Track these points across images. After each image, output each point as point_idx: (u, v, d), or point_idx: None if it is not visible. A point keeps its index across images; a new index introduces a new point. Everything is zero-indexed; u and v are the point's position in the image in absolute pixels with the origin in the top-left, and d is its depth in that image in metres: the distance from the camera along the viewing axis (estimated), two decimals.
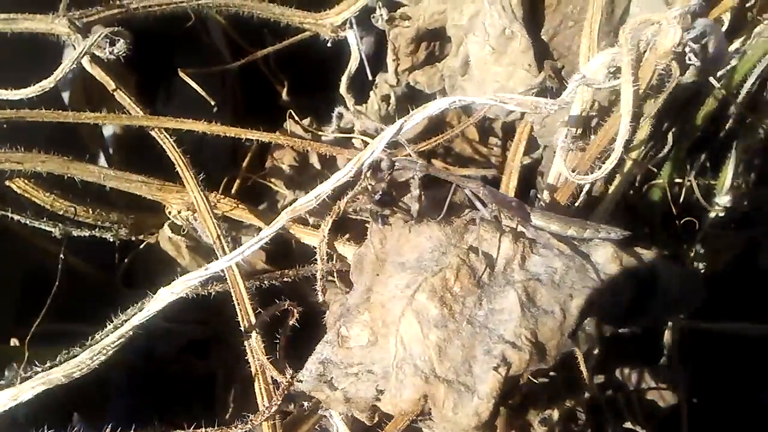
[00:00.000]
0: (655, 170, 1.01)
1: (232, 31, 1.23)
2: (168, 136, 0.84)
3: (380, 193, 0.57)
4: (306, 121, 1.15)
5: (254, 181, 1.12)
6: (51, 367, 0.57)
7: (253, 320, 0.72)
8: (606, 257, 0.60)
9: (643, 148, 0.93)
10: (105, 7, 0.92)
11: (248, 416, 0.67)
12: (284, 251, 0.95)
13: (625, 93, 0.68)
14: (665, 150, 1.33)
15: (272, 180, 1.11)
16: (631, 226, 0.66)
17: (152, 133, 0.85)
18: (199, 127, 0.85)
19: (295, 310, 0.71)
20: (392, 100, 1.24)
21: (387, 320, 0.57)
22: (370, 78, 1.18)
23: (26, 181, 0.81)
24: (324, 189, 0.57)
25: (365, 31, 1.14)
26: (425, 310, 0.55)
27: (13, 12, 0.87)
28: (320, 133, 1.10)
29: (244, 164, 1.10)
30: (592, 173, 0.70)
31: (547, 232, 0.62)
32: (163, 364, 0.91)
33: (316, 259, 0.79)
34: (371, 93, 1.23)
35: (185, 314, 0.94)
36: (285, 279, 0.81)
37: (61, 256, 0.84)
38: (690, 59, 0.72)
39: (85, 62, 0.90)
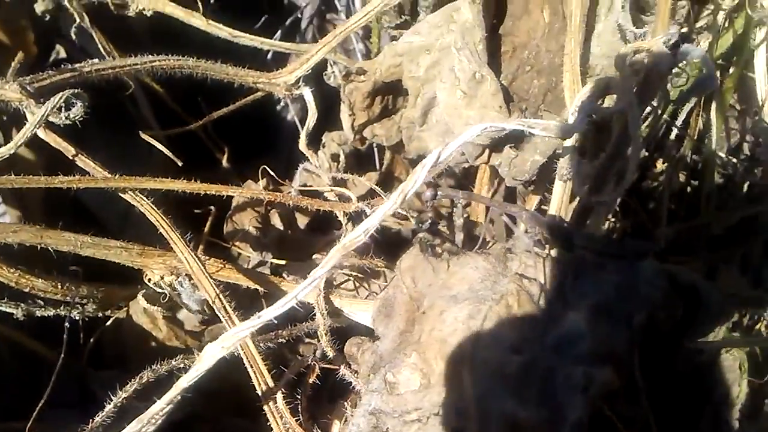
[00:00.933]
0: None
1: (169, 100, 1.19)
2: (145, 198, 0.78)
3: (429, 222, 0.54)
4: (262, 183, 1.12)
5: (214, 247, 1.06)
6: None
7: (271, 383, 0.65)
8: (652, 271, 0.60)
9: None
10: (57, 71, 0.86)
11: None
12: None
13: (632, 116, 0.70)
14: None
15: (236, 243, 1.06)
16: None
17: (126, 196, 0.79)
18: (178, 186, 0.80)
19: (317, 366, 0.66)
20: (341, 158, 1.23)
21: (449, 354, 0.53)
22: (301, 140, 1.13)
23: None
24: (372, 223, 0.54)
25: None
26: (504, 338, 0.52)
27: None
28: (282, 189, 1.07)
29: (206, 228, 1.04)
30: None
31: (590, 251, 0.61)
32: None
33: (312, 316, 0.75)
34: (320, 152, 1.22)
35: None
36: (279, 340, 0.75)
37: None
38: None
39: (41, 132, 0.83)
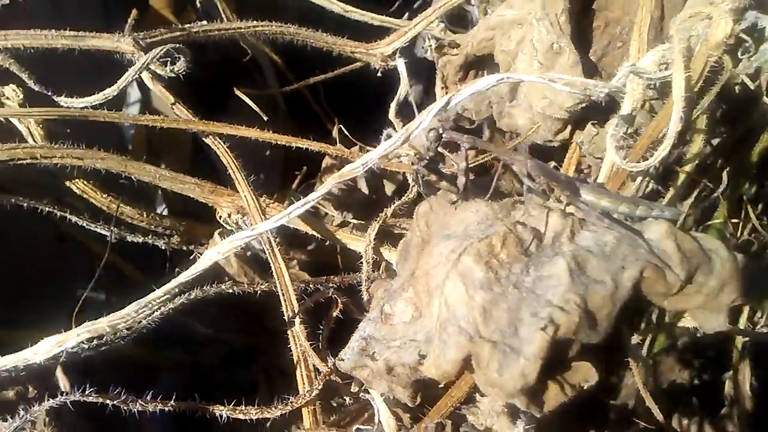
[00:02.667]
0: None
1: (282, 65, 1.27)
2: (221, 142, 0.86)
3: (427, 160, 0.57)
4: (355, 148, 1.17)
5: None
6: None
7: (296, 307, 0.71)
8: (660, 234, 0.58)
9: (696, 162, 0.92)
10: (168, 30, 0.96)
11: (289, 398, 0.65)
12: (330, 263, 0.96)
13: (676, 80, 0.68)
14: (720, 188, 1.30)
15: (321, 201, 1.12)
16: None
17: (207, 140, 0.88)
18: (252, 133, 0.87)
19: (339, 300, 0.70)
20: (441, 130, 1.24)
21: (431, 287, 0.56)
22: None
23: (85, 182, 0.84)
24: (371, 156, 0.58)
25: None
26: (471, 273, 0.54)
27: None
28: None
29: (294, 185, 1.11)
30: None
31: (598, 209, 0.60)
32: (207, 372, 0.90)
33: (361, 265, 0.79)
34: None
35: (229, 323, 0.94)
36: (330, 285, 0.80)
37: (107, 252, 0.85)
38: (742, 52, 0.71)
39: (147, 79, 0.94)
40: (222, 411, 0.64)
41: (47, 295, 0.91)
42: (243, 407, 0.64)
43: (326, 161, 1.17)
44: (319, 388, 0.66)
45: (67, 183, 0.83)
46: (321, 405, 0.68)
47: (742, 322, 0.84)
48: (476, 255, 0.54)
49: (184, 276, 0.59)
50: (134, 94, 1.25)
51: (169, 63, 0.95)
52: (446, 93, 1.18)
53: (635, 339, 1.01)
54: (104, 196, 0.85)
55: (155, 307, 0.61)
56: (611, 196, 0.60)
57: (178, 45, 0.94)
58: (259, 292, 0.74)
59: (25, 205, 0.82)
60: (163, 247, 0.94)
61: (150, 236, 0.92)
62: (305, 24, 1.06)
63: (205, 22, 1.02)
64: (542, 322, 0.52)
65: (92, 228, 0.88)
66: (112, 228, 0.88)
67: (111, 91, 0.87)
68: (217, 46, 1.06)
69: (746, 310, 1.06)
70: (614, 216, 0.61)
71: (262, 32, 1.07)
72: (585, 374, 0.56)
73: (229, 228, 0.88)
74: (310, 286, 0.79)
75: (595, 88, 0.63)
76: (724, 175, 0.98)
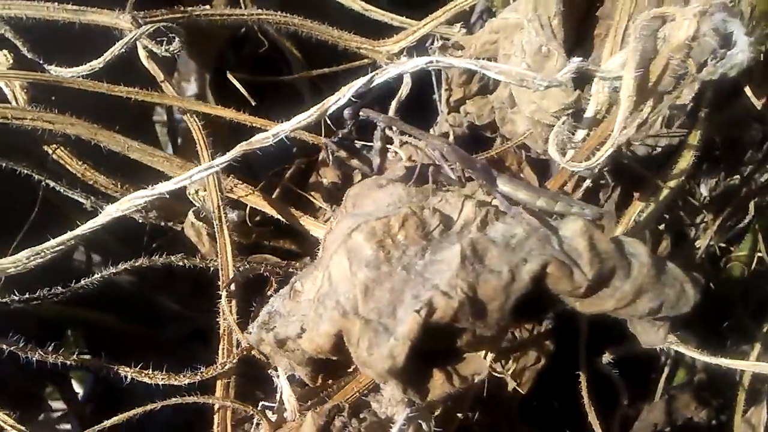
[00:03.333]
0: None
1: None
2: (195, 119, 0.88)
3: (339, 136, 0.56)
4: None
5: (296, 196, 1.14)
6: None
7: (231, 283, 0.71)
8: (574, 231, 0.55)
9: (683, 177, 0.88)
10: (169, 11, 0.99)
11: (199, 368, 0.65)
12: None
13: (625, 80, 0.65)
14: (746, 220, 1.24)
15: (312, 193, 1.12)
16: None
17: (185, 117, 0.89)
18: (226, 113, 0.88)
19: (273, 279, 0.70)
20: (450, 139, 1.24)
21: (325, 265, 0.55)
22: (440, 110, 1.18)
23: (62, 148, 0.87)
24: (284, 127, 0.58)
25: None
26: (359, 250, 0.53)
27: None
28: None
29: (287, 174, 1.12)
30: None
31: (515, 200, 0.58)
32: (168, 348, 0.92)
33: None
34: (432, 130, 1.24)
35: (195, 302, 0.95)
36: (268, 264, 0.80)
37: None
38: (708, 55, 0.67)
39: (143, 58, 0.97)
40: (127, 372, 0.64)
41: None
42: (150, 371, 0.65)
43: (322, 154, 1.17)
44: (234, 361, 0.66)
45: (46, 148, 0.86)
46: (237, 379, 0.67)
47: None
48: (369, 233, 0.53)
49: (81, 229, 0.61)
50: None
51: (165, 42, 0.98)
52: (449, 95, 1.17)
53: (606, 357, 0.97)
54: (79, 163, 0.87)
55: (48, 255, 0.62)
56: (529, 189, 0.58)
57: (172, 25, 0.97)
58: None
59: (4, 165, 0.85)
60: (140, 221, 0.96)
61: None
62: (323, 20, 1.07)
63: (207, 6, 1.04)
64: (419, 304, 0.50)
65: (70, 195, 0.90)
66: (89, 197, 0.90)
67: (97, 63, 0.90)
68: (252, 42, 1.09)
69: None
70: (534, 210, 0.59)
71: (266, 20, 1.09)
72: (476, 367, 0.54)
73: (196, 205, 0.89)
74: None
75: (534, 80, 0.61)
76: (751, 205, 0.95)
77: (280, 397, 0.62)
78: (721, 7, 0.67)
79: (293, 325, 0.56)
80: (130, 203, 0.59)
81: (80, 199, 0.92)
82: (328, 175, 1.16)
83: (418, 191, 0.60)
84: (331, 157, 0.59)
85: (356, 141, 0.59)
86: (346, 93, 0.58)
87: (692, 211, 1.19)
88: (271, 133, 0.58)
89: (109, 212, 0.60)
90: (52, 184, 0.89)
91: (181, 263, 0.77)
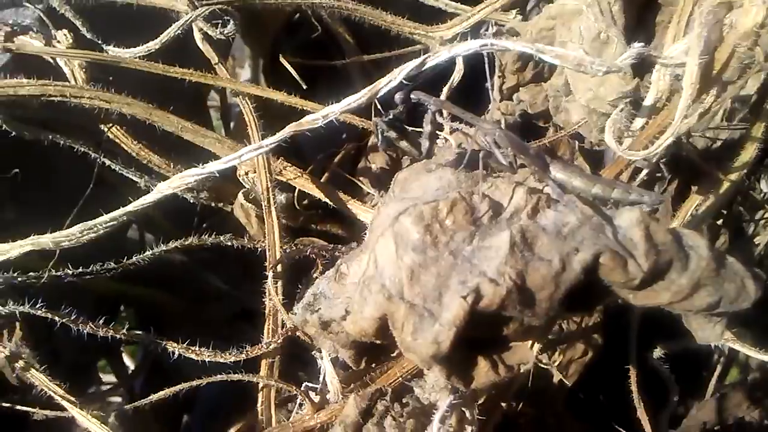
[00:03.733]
0: None
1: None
2: (248, 101, 0.88)
3: (390, 116, 0.55)
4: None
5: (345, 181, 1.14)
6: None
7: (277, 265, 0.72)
8: (630, 221, 0.54)
9: (744, 171, 0.85)
10: None
11: (245, 347, 0.66)
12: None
13: (689, 67, 0.63)
14: None
15: (361, 178, 1.12)
16: None
17: (237, 99, 0.90)
18: (278, 96, 0.88)
19: (320, 262, 0.70)
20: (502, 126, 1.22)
21: (368, 244, 0.54)
22: (492, 98, 1.17)
23: (118, 127, 0.88)
24: (333, 109, 0.57)
25: None
26: (406, 233, 0.52)
27: None
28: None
29: (336, 159, 1.12)
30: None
31: (569, 188, 0.57)
32: (216, 326, 0.93)
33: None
34: (484, 117, 1.22)
35: (243, 282, 0.96)
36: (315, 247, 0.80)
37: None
38: None
39: (198, 40, 0.97)
40: (175, 348, 0.65)
41: None
42: (197, 348, 0.66)
43: (372, 140, 1.16)
44: (279, 341, 0.66)
45: (102, 127, 0.87)
46: (282, 359, 0.67)
47: None
48: (417, 216, 0.53)
49: (133, 206, 0.62)
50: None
51: (220, 25, 0.98)
52: (503, 82, 1.15)
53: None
54: (134, 142, 0.89)
55: (100, 230, 0.63)
56: (584, 176, 0.57)
57: (228, 8, 0.97)
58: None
59: (62, 143, 0.87)
60: (192, 201, 0.97)
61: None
62: (377, 5, 1.06)
63: None
64: (466, 290, 0.49)
65: (125, 174, 0.92)
66: (144, 176, 0.92)
67: (154, 44, 0.91)
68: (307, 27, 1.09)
69: None
70: (588, 198, 0.57)
71: (320, 5, 1.09)
72: (522, 356, 0.53)
73: (246, 186, 0.89)
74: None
75: (592, 65, 0.59)
76: None
77: (323, 378, 0.61)
78: None
79: (338, 308, 0.55)
80: (181, 181, 0.60)
81: (134, 178, 0.93)
82: (377, 161, 1.16)
83: (468, 176, 0.59)
84: (380, 137, 0.58)
85: (406, 126, 0.58)
86: (397, 75, 0.57)
87: (752, 207, 1.14)
88: (321, 114, 0.57)
89: (161, 189, 0.60)
90: (107, 162, 0.91)
91: (229, 243, 0.77)
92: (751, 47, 0.64)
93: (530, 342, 0.53)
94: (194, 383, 0.64)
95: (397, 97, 0.55)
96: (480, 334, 0.53)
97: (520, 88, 1.14)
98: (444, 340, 0.48)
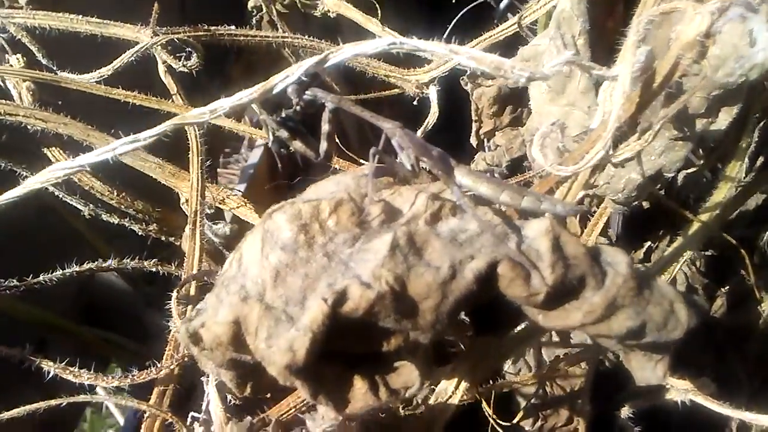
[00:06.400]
0: None
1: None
2: (194, 128, 0.85)
3: (286, 116, 0.51)
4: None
5: None
6: None
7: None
8: (538, 230, 0.47)
9: (717, 211, 0.78)
10: (192, 28, 0.99)
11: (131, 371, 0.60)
12: None
13: (621, 77, 0.57)
14: None
15: None
16: None
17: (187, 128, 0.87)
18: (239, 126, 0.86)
19: None
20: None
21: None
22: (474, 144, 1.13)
23: (60, 150, 0.86)
24: (221, 104, 0.53)
25: None
26: (277, 231, 0.47)
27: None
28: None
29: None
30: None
31: (476, 194, 0.51)
32: None
33: None
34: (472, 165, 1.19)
35: None
36: None
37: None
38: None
39: (161, 72, 0.96)
40: (50, 367, 0.60)
41: (28, 264, 0.92)
42: (75, 369, 0.60)
43: None
44: (171, 366, 0.60)
45: (44, 150, 0.85)
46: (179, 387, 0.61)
47: None
48: (293, 215, 0.47)
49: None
50: None
51: (183, 57, 0.97)
52: (479, 126, 1.11)
53: None
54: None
55: None
56: (492, 183, 0.51)
57: (190, 40, 0.96)
58: None
59: (3, 164, 0.85)
60: (140, 233, 0.93)
61: (127, 219, 0.92)
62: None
63: (233, 27, 1.03)
64: (330, 292, 0.43)
65: (68, 200, 0.89)
66: (88, 204, 0.89)
67: (106, 70, 0.90)
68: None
69: None
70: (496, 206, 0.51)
71: (291, 44, 1.07)
72: (407, 379, 0.46)
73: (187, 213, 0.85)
74: None
75: (513, 70, 0.54)
76: None
77: (206, 407, 0.55)
78: (741, 2, 0.58)
79: (200, 315, 0.49)
80: (50, 174, 0.56)
81: (79, 206, 0.90)
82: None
83: (370, 182, 0.53)
84: (271, 137, 0.53)
85: (302, 126, 0.54)
86: (295, 71, 0.53)
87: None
88: (208, 108, 0.53)
89: (28, 184, 0.56)
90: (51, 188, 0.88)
91: (153, 269, 0.72)
92: (698, 59, 0.58)
93: (418, 363, 0.45)
94: (52, 402, 0.57)
95: (290, 90, 0.51)
96: (355, 348, 0.46)
97: (496, 133, 1.10)
98: (299, 348, 0.42)
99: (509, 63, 0.56)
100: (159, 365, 0.62)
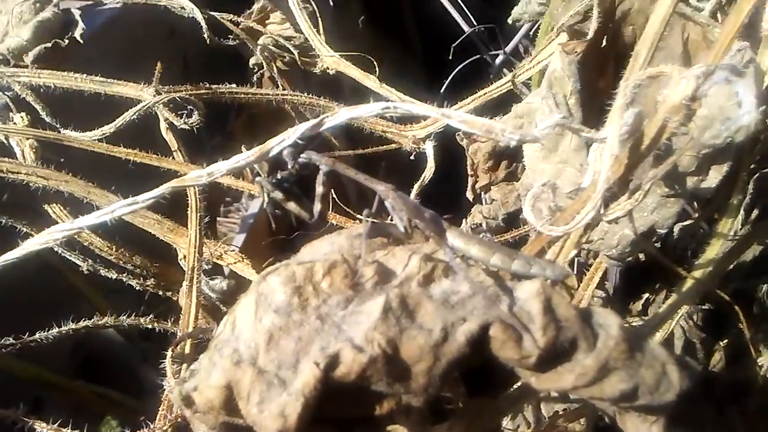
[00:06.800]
0: None
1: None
2: (194, 187, 0.86)
3: (281, 178, 0.52)
4: None
5: None
6: None
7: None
8: (530, 292, 0.48)
9: (711, 267, 0.79)
10: (194, 87, 1.01)
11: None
12: None
13: (609, 138, 0.58)
14: None
15: None
16: None
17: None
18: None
19: None
20: (484, 227, 1.19)
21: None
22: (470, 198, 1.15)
23: (61, 207, 0.87)
24: (219, 167, 0.54)
25: None
26: (271, 294, 0.47)
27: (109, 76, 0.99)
28: None
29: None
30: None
31: (468, 257, 0.52)
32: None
33: None
34: (464, 220, 1.20)
35: None
36: None
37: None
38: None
39: (163, 129, 0.98)
40: (43, 428, 0.59)
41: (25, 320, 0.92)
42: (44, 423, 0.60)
43: None
44: (165, 428, 0.60)
45: (46, 207, 0.86)
46: None
47: None
48: (287, 277, 0.48)
49: (11, 255, 0.57)
50: None
51: (185, 115, 0.99)
52: (475, 181, 1.12)
53: None
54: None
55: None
56: (483, 245, 0.51)
57: (192, 98, 0.98)
58: None
59: (4, 221, 0.86)
60: (138, 288, 0.94)
61: (125, 275, 0.93)
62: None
63: (234, 85, 1.06)
64: (323, 356, 0.43)
65: (67, 256, 0.89)
66: (87, 259, 0.89)
67: (108, 128, 0.91)
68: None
69: None
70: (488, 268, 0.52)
71: (291, 101, 1.10)
72: None
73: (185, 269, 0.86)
74: None
75: (503, 133, 0.56)
76: None
77: None
78: (726, 66, 0.60)
79: (193, 378, 0.49)
80: (48, 236, 0.56)
81: (78, 262, 0.91)
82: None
83: (364, 243, 0.54)
84: (266, 198, 0.54)
85: (297, 188, 0.55)
86: (291, 134, 0.54)
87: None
88: (206, 171, 0.54)
89: (27, 246, 0.57)
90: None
91: (150, 325, 0.72)
92: (684, 122, 0.60)
93: (412, 426, 0.45)
94: None
95: (286, 153, 0.52)
96: (347, 412, 0.46)
97: (492, 187, 1.11)
98: (291, 414, 0.42)
99: (499, 126, 0.57)
100: (152, 426, 0.62)
